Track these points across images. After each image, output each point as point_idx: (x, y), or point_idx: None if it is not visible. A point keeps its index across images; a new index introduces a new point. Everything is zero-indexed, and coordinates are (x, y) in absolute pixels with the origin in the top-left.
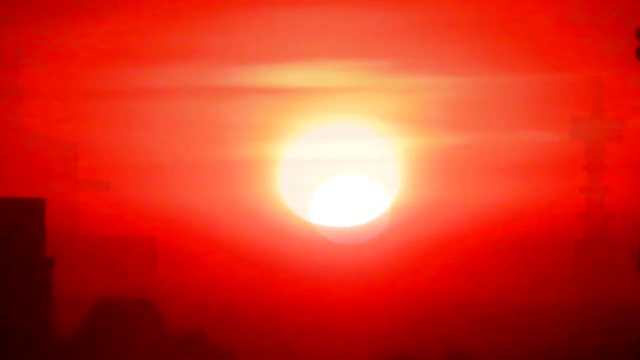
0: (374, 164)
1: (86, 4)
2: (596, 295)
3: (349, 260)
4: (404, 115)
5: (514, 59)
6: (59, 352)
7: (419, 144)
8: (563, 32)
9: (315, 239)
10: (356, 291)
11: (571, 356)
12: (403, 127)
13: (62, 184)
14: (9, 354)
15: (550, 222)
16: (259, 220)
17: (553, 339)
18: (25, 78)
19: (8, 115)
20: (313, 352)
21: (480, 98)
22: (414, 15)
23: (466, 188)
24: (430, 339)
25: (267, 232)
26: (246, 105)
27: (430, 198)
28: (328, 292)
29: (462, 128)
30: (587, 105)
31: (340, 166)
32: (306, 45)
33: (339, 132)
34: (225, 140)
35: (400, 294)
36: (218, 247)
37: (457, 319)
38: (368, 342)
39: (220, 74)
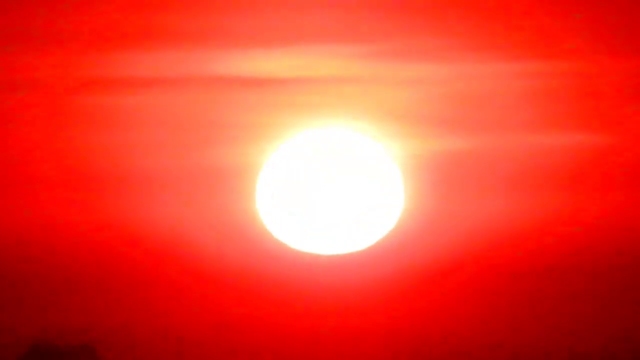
0: (372, 173)
1: None
2: None
3: (338, 286)
4: (408, 112)
5: (537, 43)
6: None
7: (428, 148)
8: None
9: (299, 270)
10: (347, 332)
11: None
12: (407, 127)
13: None
14: None
15: (596, 242)
16: (231, 242)
17: None
18: None
19: None
20: None
21: (504, 90)
22: None
23: (485, 201)
24: None
25: (242, 258)
26: (217, 99)
27: (444, 216)
28: (319, 335)
29: (485, 128)
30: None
31: (331, 176)
32: (288, 28)
33: (329, 134)
34: (191, 143)
35: (394, 334)
36: (183, 275)
37: None
38: None
39: (186, 62)
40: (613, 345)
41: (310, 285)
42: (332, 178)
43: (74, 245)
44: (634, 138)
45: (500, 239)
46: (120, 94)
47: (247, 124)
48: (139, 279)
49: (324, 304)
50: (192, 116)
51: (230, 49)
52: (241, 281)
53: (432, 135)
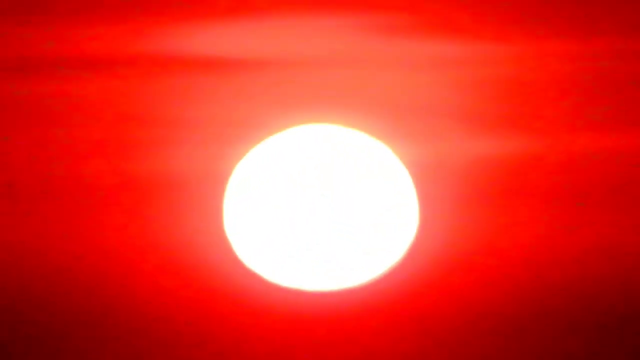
0: (376, 185)
1: None
2: None
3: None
4: (425, 104)
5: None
6: None
7: (451, 152)
8: None
9: (278, 313)
10: None
11: None
12: (423, 124)
13: None
14: None
15: None
16: (187, 275)
17: None
18: None
19: None
20: None
21: (552, 76)
22: None
23: (525, 224)
24: None
25: (201, 296)
26: (174, 87)
27: (471, 244)
28: None
29: (529, 126)
30: None
31: (323, 188)
32: None
33: (319, 134)
34: (138, 144)
35: None
36: (122, 320)
37: None
38: None
39: (133, 39)
40: None
41: (293, 334)
42: (324, 191)
43: None
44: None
45: (544, 274)
46: (46, 78)
47: (213, 119)
48: (55, 333)
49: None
50: (140, 109)
51: (192, 22)
52: (200, 328)
53: (457, 135)
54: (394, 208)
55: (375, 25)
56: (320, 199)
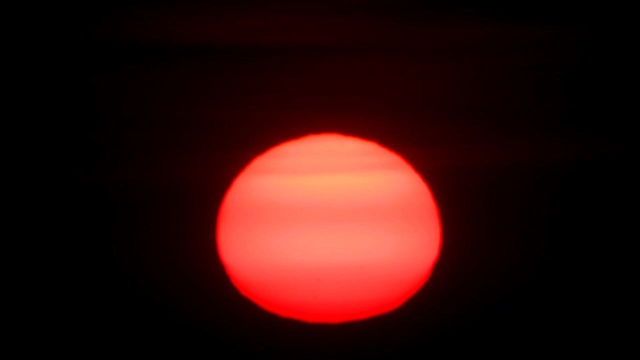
0: (389, 202)
1: None
2: None
3: None
4: (447, 103)
5: None
6: None
7: (478, 162)
8: None
9: (278, 348)
10: None
11: None
12: (444, 128)
13: None
14: None
15: None
16: (175, 303)
17: None
18: None
19: None
20: None
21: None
22: None
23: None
24: None
25: (192, 327)
26: (147, 82)
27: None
28: None
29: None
30: None
31: (327, 207)
32: None
33: (322, 143)
34: (115, 153)
35: None
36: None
37: None
38: None
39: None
40: None
41: None
42: (329, 210)
43: None
44: None
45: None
46: None
47: (203, 125)
48: None
49: None
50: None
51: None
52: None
53: (487, 140)
54: (409, 229)
55: (385, 4)
56: (325, 218)
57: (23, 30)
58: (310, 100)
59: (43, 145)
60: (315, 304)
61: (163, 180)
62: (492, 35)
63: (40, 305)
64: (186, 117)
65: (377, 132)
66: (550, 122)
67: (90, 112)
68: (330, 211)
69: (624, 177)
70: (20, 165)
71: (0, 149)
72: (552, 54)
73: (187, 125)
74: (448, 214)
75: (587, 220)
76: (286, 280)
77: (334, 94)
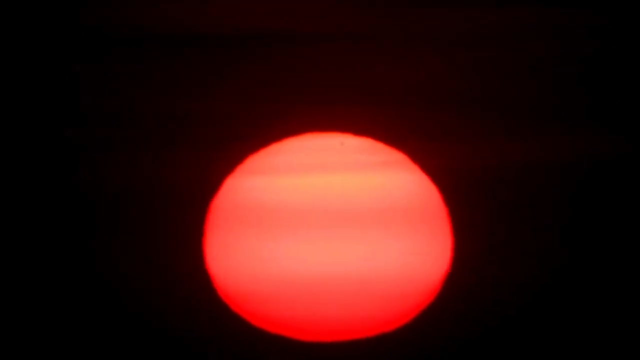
0: (397, 207)
1: None
2: None
3: None
4: (461, 96)
5: None
6: None
7: (496, 161)
8: None
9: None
10: None
11: None
12: (458, 124)
13: None
14: None
15: None
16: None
17: None
18: None
19: None
20: None
21: None
22: None
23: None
24: None
25: (176, 344)
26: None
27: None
28: None
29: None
30: None
31: (327, 212)
32: None
33: (320, 144)
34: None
35: None
36: None
37: None
38: None
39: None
40: None
41: None
42: (327, 214)
43: None
44: None
45: None
46: None
47: (188, 123)
48: None
49: None
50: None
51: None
52: None
53: (501, 136)
54: (419, 237)
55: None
56: (325, 223)
57: None
58: (308, 94)
59: (15, 142)
60: (311, 319)
61: (145, 180)
62: (507, 20)
63: (15, 315)
64: (172, 111)
65: (380, 128)
66: (570, 117)
67: (69, 106)
68: (329, 215)
69: None
70: None
71: None
72: (572, 40)
73: (173, 121)
74: (460, 218)
75: (614, 224)
76: (280, 293)
77: (334, 87)
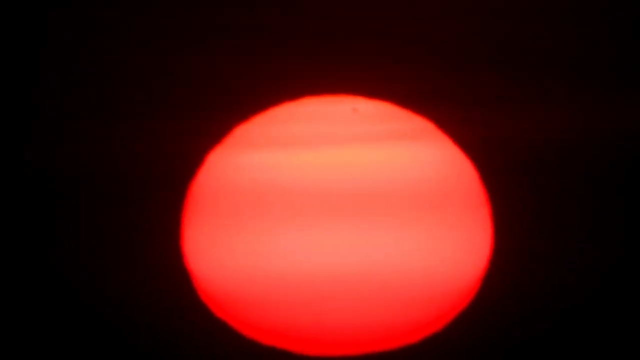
0: (422, 190)
1: None
2: None
3: None
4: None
5: None
6: None
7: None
8: None
9: None
10: None
11: None
12: (496, 89)
13: None
14: None
15: None
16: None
17: None
18: None
19: None
20: None
21: None
22: None
23: None
24: None
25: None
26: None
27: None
28: None
29: None
30: None
31: (336, 195)
32: None
33: (325, 111)
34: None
35: None
36: None
37: None
38: None
39: None
40: None
41: None
42: (336, 197)
43: None
44: None
45: None
46: None
47: (164, 89)
48: None
49: None
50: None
51: None
52: None
53: (550, 101)
54: (453, 226)
55: None
56: (335, 211)
57: None
58: (309, 47)
59: None
60: (315, 329)
61: (112, 157)
62: None
63: None
64: (144, 71)
65: (401, 90)
66: (625, 84)
67: (22, 61)
68: (337, 200)
69: None
70: None
71: None
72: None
73: (145, 83)
74: (502, 202)
75: None
76: (276, 296)
77: (341, 39)
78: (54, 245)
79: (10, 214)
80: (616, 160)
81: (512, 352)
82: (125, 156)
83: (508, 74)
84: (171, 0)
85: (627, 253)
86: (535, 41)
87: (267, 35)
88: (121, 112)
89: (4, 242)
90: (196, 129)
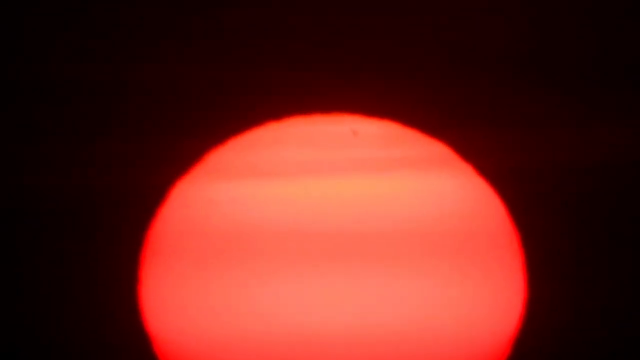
0: (442, 229)
1: None
2: None
3: None
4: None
5: None
6: None
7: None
8: None
9: None
10: None
11: None
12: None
13: None
14: None
15: None
16: None
17: None
18: None
19: None
20: None
21: None
22: None
23: None
24: None
25: None
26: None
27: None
28: None
29: None
30: None
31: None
32: None
33: (319, 133)
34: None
35: None
36: None
37: None
38: None
39: None
40: None
41: None
42: (330, 239)
43: None
44: None
45: None
46: None
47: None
48: None
49: None
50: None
51: None
52: None
53: (581, 123)
54: (477, 274)
55: None
56: (329, 256)
57: None
58: (300, 55)
59: None
60: None
61: (65, 189)
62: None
63: None
64: (108, 87)
65: (410, 108)
66: None
67: None
68: (333, 242)
69: None
70: None
71: None
72: None
73: (107, 100)
74: (537, 243)
75: None
76: None
77: (336, 44)
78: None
79: None
80: None
81: None
82: (85, 190)
83: (539, 89)
84: (138, 16)
85: None
86: (567, 57)
87: (247, 40)
88: (88, 141)
89: None
90: (157, 154)
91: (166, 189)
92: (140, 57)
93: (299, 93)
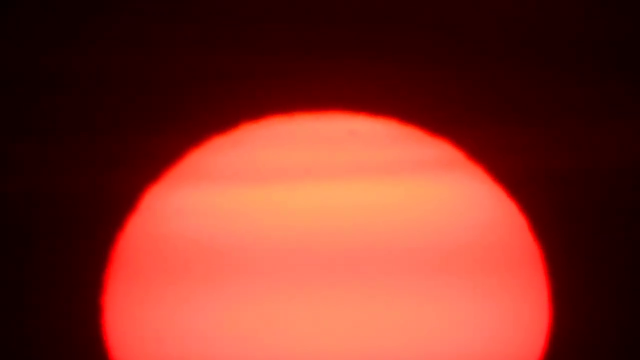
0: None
1: None
2: None
3: None
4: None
5: None
6: None
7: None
8: None
9: None
10: None
11: None
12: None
13: None
14: None
15: None
16: None
17: None
18: None
19: None
20: None
21: None
22: None
23: None
24: None
25: None
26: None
27: None
28: None
29: None
30: None
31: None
32: None
33: (312, 131)
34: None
35: None
36: None
37: None
38: None
39: None
40: None
41: None
42: (330, 255)
43: None
44: None
45: None
46: None
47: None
48: None
49: None
50: None
51: None
52: None
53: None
54: (496, 296)
55: None
56: (326, 277)
57: None
58: (291, 47)
59: None
60: None
61: (24, 195)
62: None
63: None
64: (69, 80)
65: (415, 105)
66: None
67: None
68: (326, 257)
69: None
70: None
71: None
72: None
73: (71, 96)
74: (561, 259)
75: None
76: None
77: (332, 36)
78: None
79: None
80: None
81: None
82: (47, 197)
83: (556, 83)
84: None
85: None
86: (587, 53)
87: (234, 30)
88: (52, 141)
89: None
90: (127, 160)
91: (136, 196)
92: (110, 48)
93: (290, 88)
